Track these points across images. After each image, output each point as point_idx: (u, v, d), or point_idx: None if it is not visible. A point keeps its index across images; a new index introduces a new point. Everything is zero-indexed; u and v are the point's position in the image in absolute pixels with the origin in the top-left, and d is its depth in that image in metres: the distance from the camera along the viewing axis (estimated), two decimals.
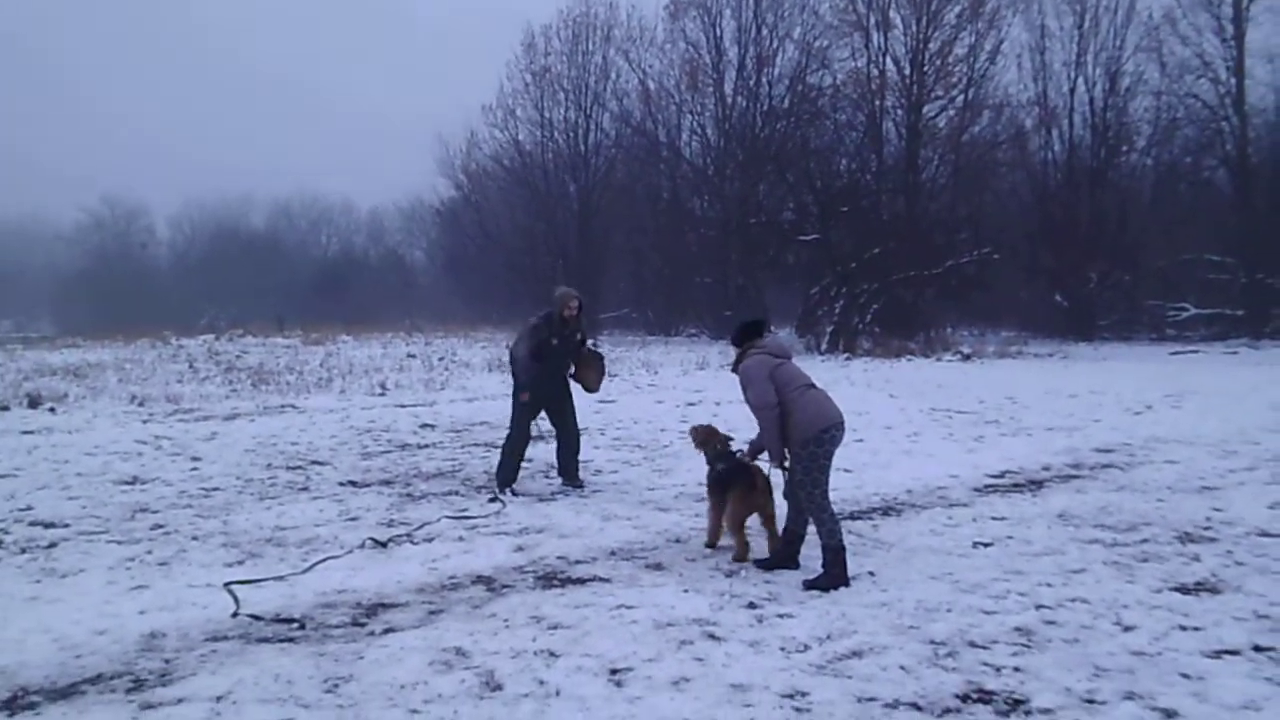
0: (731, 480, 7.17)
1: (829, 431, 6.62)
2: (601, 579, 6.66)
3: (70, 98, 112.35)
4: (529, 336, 9.37)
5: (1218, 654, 5.28)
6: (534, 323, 9.45)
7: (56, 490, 9.86)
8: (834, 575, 6.54)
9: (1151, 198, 40.97)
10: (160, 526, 8.36)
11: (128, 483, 10.26)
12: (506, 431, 9.72)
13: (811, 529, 6.76)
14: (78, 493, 9.74)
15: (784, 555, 6.95)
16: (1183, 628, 5.69)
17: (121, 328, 37.87)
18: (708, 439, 7.57)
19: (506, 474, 9.59)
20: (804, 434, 6.58)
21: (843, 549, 6.60)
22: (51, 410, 15.81)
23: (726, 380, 21.97)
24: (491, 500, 9.13)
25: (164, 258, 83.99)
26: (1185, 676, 4.96)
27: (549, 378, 9.54)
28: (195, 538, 7.98)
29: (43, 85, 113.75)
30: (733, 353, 7.07)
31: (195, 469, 11.03)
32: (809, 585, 6.50)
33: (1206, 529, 8.11)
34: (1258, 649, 5.35)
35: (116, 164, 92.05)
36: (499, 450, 9.93)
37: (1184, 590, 6.43)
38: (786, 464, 6.67)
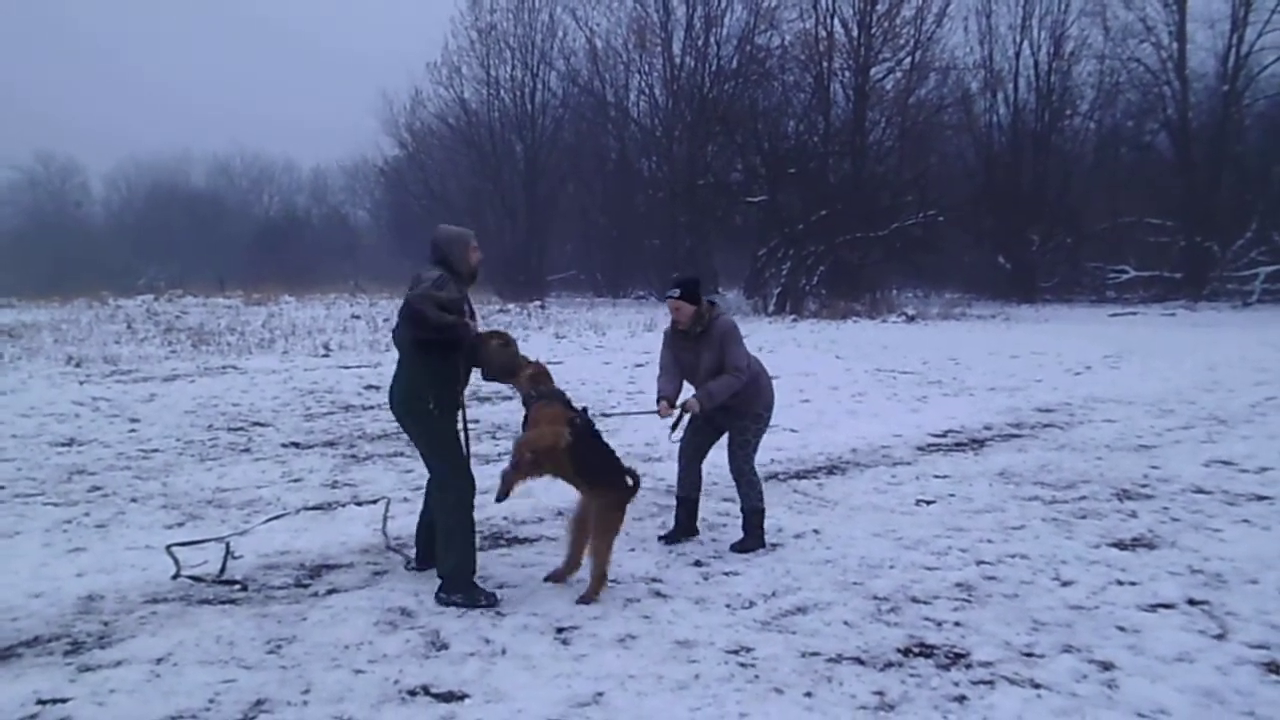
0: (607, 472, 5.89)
1: (774, 401, 6.80)
2: (548, 538, 6.66)
3: None
4: (434, 286, 5.43)
5: (1153, 608, 5.39)
6: (436, 276, 5.53)
7: None
8: (758, 537, 6.60)
9: (1093, 161, 41.54)
10: (98, 488, 8.23)
11: (64, 444, 10.07)
12: (447, 486, 5.67)
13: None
14: (13, 455, 9.54)
15: (688, 527, 6.84)
16: (1119, 582, 5.80)
17: (57, 288, 36.99)
18: (536, 375, 5.94)
19: (467, 556, 5.61)
20: (767, 400, 6.68)
21: (764, 512, 6.67)
22: None
23: None
24: (486, 601, 5.49)
25: (100, 216, 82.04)
26: (1121, 629, 5.06)
27: (465, 377, 5.83)
28: (134, 500, 7.86)
29: None
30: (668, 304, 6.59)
31: (134, 430, 10.85)
32: (740, 550, 6.51)
33: (1143, 486, 8.27)
34: (1192, 602, 5.47)
35: (48, 118, 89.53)
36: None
37: (1121, 546, 6.56)
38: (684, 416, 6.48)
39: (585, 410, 5.96)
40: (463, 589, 5.47)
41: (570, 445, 5.61)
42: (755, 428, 6.65)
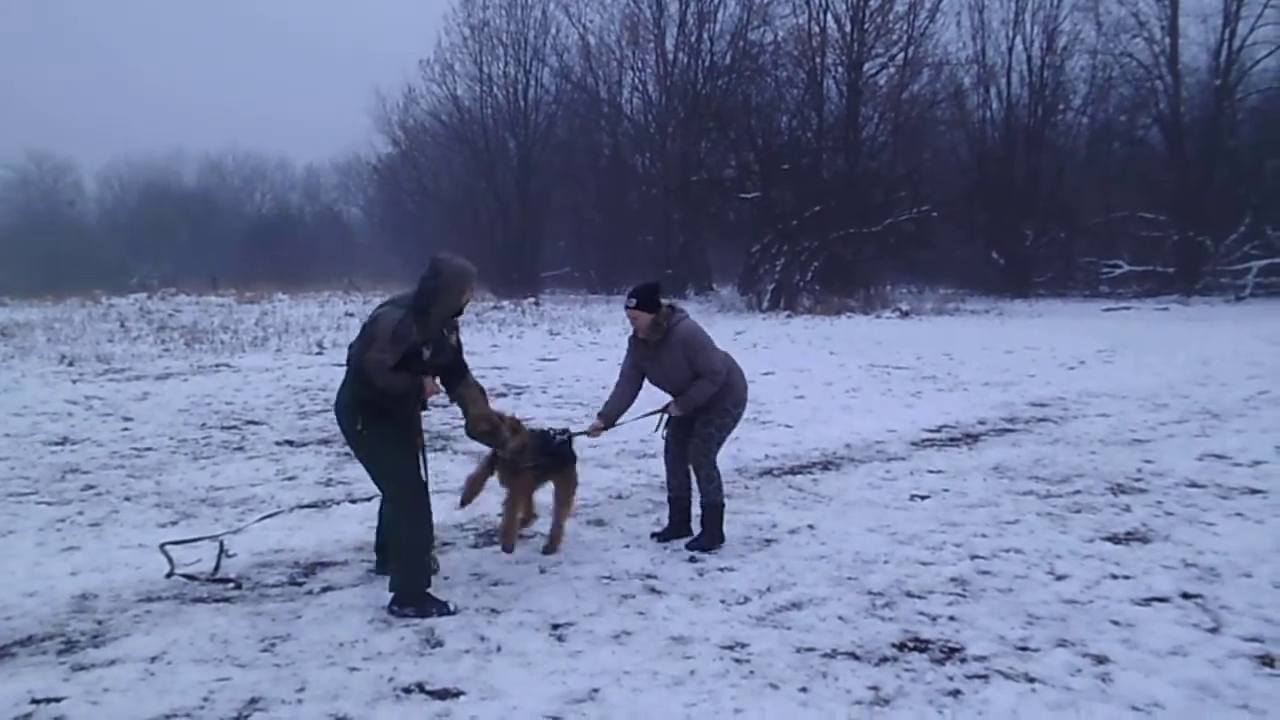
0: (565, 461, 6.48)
1: (746, 396, 6.73)
2: (543, 535, 6.63)
3: None
4: (392, 343, 5.20)
5: (1147, 601, 5.39)
6: (398, 321, 5.25)
7: None
8: (715, 534, 6.51)
9: (1086, 156, 41.63)
10: (91, 487, 8.20)
11: (57, 443, 10.04)
12: (396, 505, 5.55)
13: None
14: (6, 454, 9.50)
15: (681, 524, 6.75)
16: (1114, 576, 5.80)
17: (50, 287, 36.94)
18: (505, 429, 6.05)
19: (421, 572, 5.44)
20: (737, 396, 6.60)
21: (724, 507, 6.59)
22: None
23: None
24: (439, 612, 5.28)
25: (93, 215, 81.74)
26: (1116, 624, 5.06)
27: (413, 400, 5.54)
28: (128, 498, 7.84)
29: None
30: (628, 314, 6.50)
31: (127, 429, 10.82)
32: (691, 547, 6.43)
33: (1137, 480, 8.28)
34: (1186, 596, 5.47)
35: (42, 117, 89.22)
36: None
37: (1115, 540, 6.56)
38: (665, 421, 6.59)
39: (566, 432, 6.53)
40: (415, 603, 5.29)
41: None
42: (721, 422, 6.56)
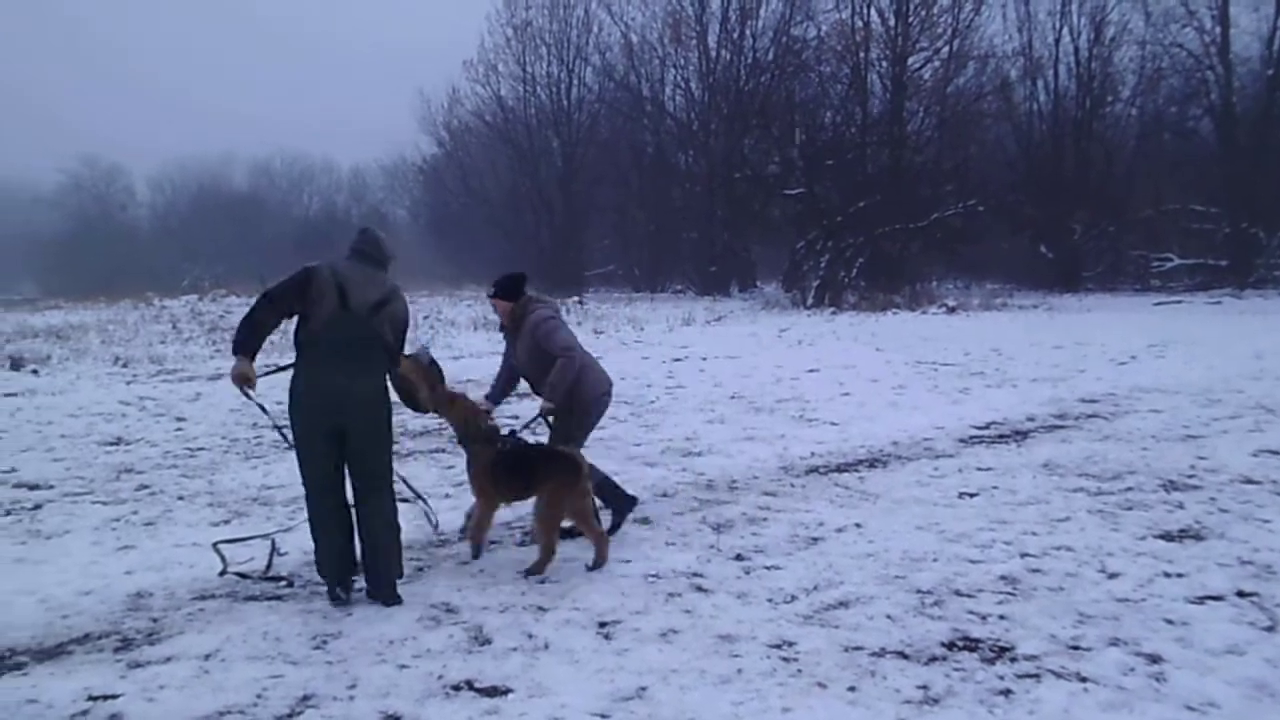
0: (543, 469, 6.03)
1: (609, 392, 6.77)
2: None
3: (41, 57, 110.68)
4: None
5: (1201, 600, 5.31)
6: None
7: (40, 452, 9.81)
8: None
9: (1136, 148, 40.87)
10: (146, 487, 8.34)
11: (112, 444, 10.21)
12: (387, 493, 5.99)
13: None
14: (62, 454, 9.69)
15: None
16: (1167, 574, 5.72)
17: (104, 289, 37.52)
18: (467, 414, 6.17)
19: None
20: (596, 390, 6.64)
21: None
22: (34, 372, 15.70)
23: (713, 336, 21.97)
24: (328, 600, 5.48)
25: (145, 218, 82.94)
26: (1169, 622, 4.99)
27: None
28: (181, 498, 7.97)
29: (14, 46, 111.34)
30: (491, 303, 6.76)
31: (180, 429, 10.99)
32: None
33: (1190, 477, 8.15)
34: (1241, 594, 5.38)
35: (95, 133, 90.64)
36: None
37: (1168, 537, 6.47)
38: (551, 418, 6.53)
39: (513, 432, 6.45)
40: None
41: (501, 476, 6.08)
42: (585, 417, 6.64)
